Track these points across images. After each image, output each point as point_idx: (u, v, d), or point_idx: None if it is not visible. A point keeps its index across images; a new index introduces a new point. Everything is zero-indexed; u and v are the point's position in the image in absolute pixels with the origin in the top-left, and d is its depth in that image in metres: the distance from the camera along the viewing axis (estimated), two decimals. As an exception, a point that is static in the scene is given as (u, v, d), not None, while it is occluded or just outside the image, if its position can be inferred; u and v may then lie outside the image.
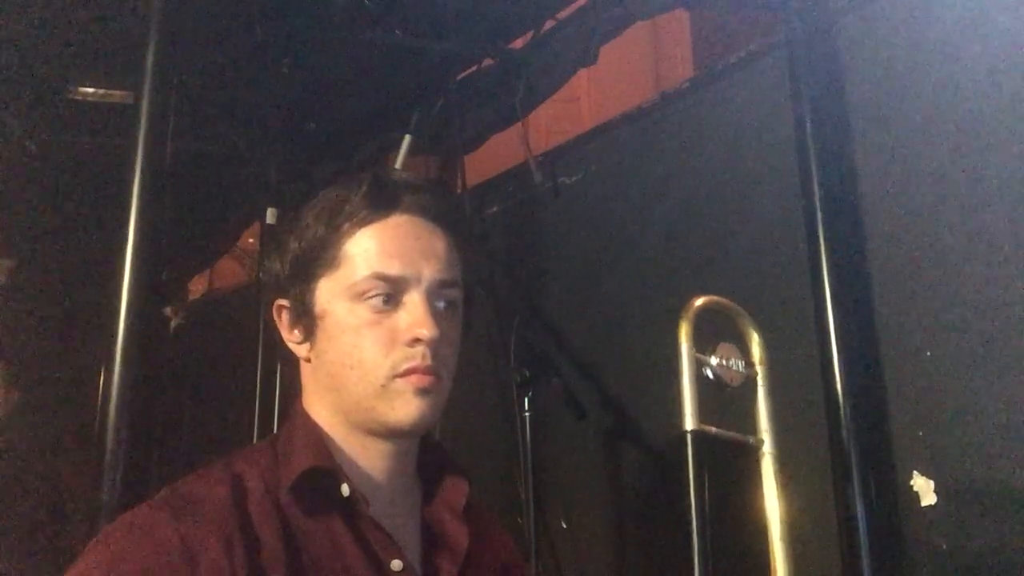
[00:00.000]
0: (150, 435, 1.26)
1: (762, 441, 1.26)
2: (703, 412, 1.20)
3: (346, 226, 0.91)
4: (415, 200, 0.93)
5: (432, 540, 0.94)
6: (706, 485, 1.16)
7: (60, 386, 3.05)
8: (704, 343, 1.25)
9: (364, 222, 0.91)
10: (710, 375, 1.23)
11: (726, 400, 1.27)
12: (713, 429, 1.21)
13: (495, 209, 2.42)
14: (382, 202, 0.92)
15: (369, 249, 0.90)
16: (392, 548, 0.88)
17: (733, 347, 1.27)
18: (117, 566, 0.78)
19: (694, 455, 1.17)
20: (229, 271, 3.85)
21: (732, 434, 1.25)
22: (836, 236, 1.47)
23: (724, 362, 1.25)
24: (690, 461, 1.17)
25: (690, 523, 1.14)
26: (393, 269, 0.89)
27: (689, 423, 1.19)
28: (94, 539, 0.83)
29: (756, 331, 1.30)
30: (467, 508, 0.97)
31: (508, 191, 2.38)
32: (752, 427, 1.28)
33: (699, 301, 1.27)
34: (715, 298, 1.29)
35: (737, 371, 1.25)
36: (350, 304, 0.89)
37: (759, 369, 1.29)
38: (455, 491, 0.97)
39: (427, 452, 1.00)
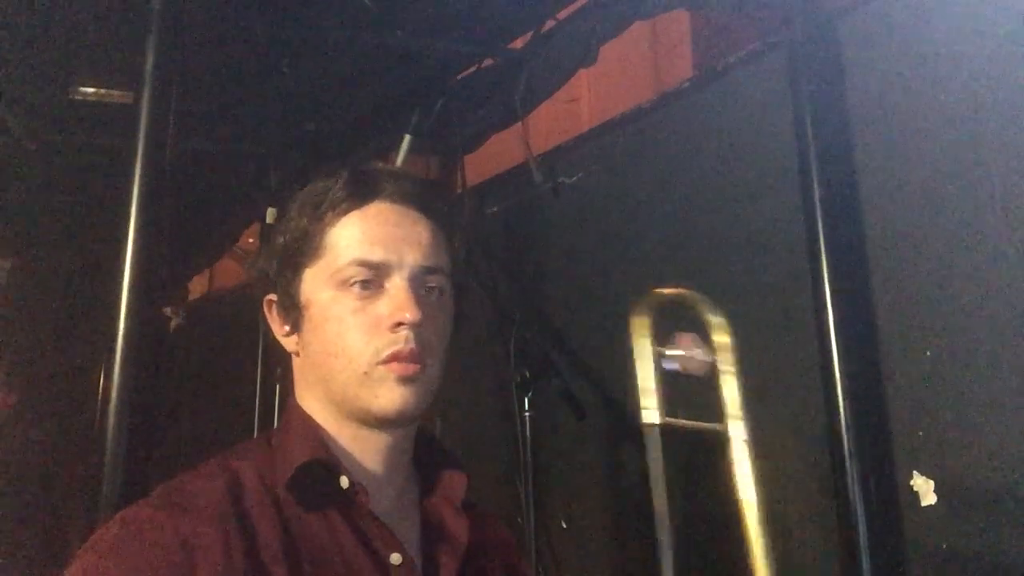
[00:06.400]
0: (150, 435, 1.26)
1: (732, 428, 1.22)
2: (677, 403, 1.18)
3: (328, 215, 0.91)
4: (397, 187, 0.93)
5: (432, 534, 0.94)
6: (673, 478, 1.14)
7: (59, 386, 3.05)
8: (666, 335, 1.22)
9: (346, 210, 0.91)
10: (674, 367, 1.20)
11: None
12: (678, 421, 1.18)
13: (495, 209, 2.42)
14: (363, 189, 0.92)
15: (351, 236, 0.90)
16: (391, 541, 0.87)
17: (694, 336, 1.23)
18: (113, 565, 0.78)
19: (656, 449, 1.15)
20: (229, 271, 3.85)
21: (698, 424, 1.21)
22: (836, 236, 1.47)
23: (685, 352, 1.21)
24: (651, 455, 1.15)
25: (655, 517, 1.12)
26: (375, 255, 0.89)
27: (648, 416, 1.16)
28: (89, 539, 0.83)
29: (717, 316, 1.25)
30: (466, 502, 0.97)
31: (508, 191, 2.38)
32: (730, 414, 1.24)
33: (654, 293, 1.23)
34: (671, 289, 1.25)
35: (700, 360, 1.21)
36: (334, 292, 0.89)
37: (723, 355, 1.24)
38: (454, 484, 0.97)
39: (424, 446, 1.00)
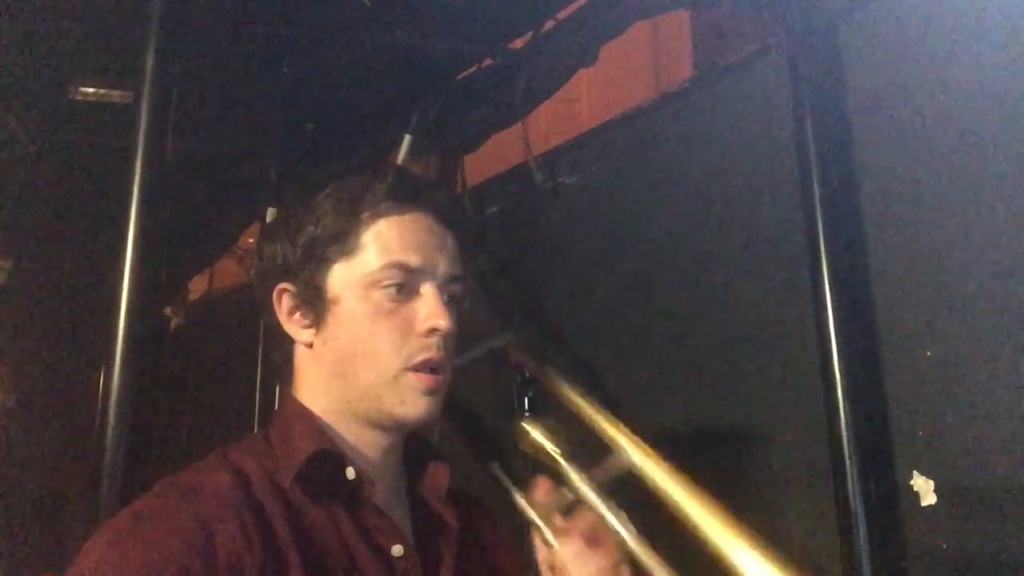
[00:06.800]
0: (150, 435, 1.26)
1: (516, 336, 1.22)
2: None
3: (366, 215, 0.92)
4: (433, 198, 0.96)
5: (424, 523, 0.96)
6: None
7: (59, 386, 3.05)
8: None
9: (385, 213, 0.92)
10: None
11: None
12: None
13: (495, 209, 2.42)
14: (405, 196, 0.94)
15: (389, 239, 0.91)
16: (393, 533, 0.89)
17: None
18: (132, 550, 0.77)
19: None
20: (229, 271, 3.85)
21: (483, 346, 1.21)
22: (836, 236, 1.47)
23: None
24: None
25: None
26: (412, 260, 0.91)
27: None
28: (96, 534, 0.82)
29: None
30: (451, 492, 0.99)
31: (508, 191, 2.38)
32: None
33: None
34: None
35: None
36: (365, 292, 0.90)
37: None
38: (439, 476, 0.99)
39: (409, 439, 1.01)
